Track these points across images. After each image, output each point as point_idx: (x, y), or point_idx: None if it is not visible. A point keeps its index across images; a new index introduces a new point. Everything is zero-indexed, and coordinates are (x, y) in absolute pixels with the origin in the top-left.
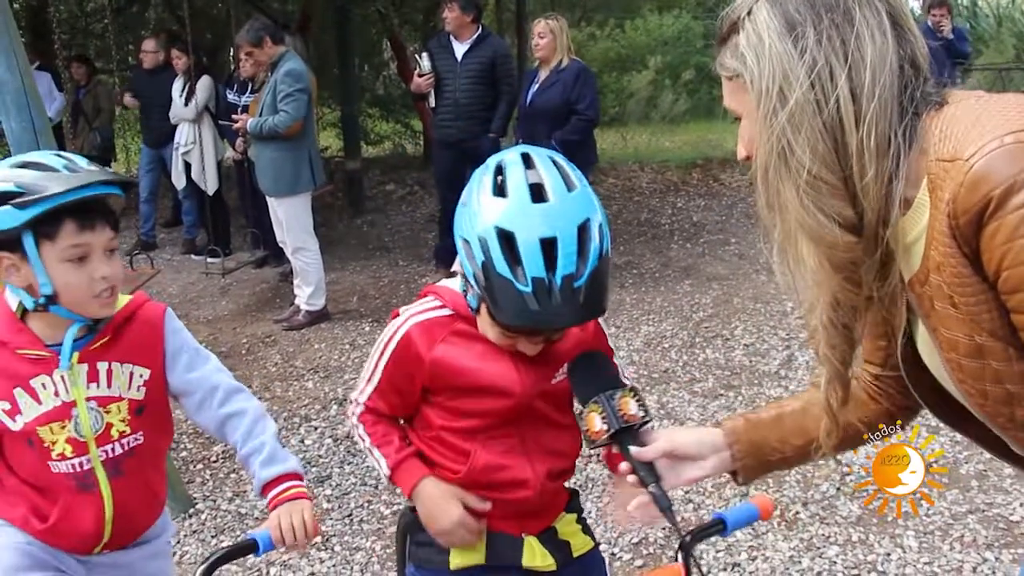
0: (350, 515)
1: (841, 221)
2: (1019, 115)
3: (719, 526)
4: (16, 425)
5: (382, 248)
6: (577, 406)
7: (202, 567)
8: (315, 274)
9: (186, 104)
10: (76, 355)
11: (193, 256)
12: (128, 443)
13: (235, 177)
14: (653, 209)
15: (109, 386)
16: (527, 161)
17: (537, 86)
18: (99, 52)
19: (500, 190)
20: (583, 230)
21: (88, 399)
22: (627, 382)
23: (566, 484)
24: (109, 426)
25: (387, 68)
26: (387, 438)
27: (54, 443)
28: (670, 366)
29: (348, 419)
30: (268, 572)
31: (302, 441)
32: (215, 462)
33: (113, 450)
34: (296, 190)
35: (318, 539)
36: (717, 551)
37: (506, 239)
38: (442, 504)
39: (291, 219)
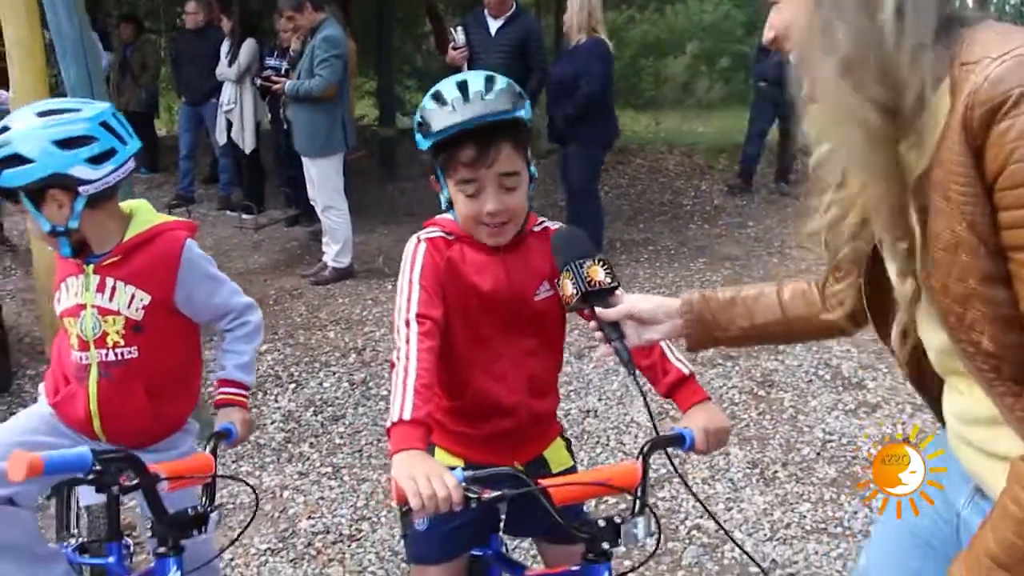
0: (360, 450)
1: (876, 101)
2: None
3: (680, 440)
4: (57, 310)
5: (411, 215)
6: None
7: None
8: (343, 232)
9: (230, 65)
10: (92, 266)
11: (228, 212)
12: (122, 354)
13: (272, 138)
14: (677, 190)
15: (111, 300)
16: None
17: (560, 60)
18: (147, 12)
19: None
20: (491, 79)
21: (93, 306)
22: (599, 254)
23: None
24: (105, 334)
25: (426, 41)
26: (427, 391)
27: (71, 335)
28: None
29: (395, 349)
30: (281, 495)
31: (321, 384)
32: None
33: (107, 355)
34: (328, 151)
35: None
36: (692, 504)
37: (433, 96)
38: (424, 461)
39: (323, 178)
